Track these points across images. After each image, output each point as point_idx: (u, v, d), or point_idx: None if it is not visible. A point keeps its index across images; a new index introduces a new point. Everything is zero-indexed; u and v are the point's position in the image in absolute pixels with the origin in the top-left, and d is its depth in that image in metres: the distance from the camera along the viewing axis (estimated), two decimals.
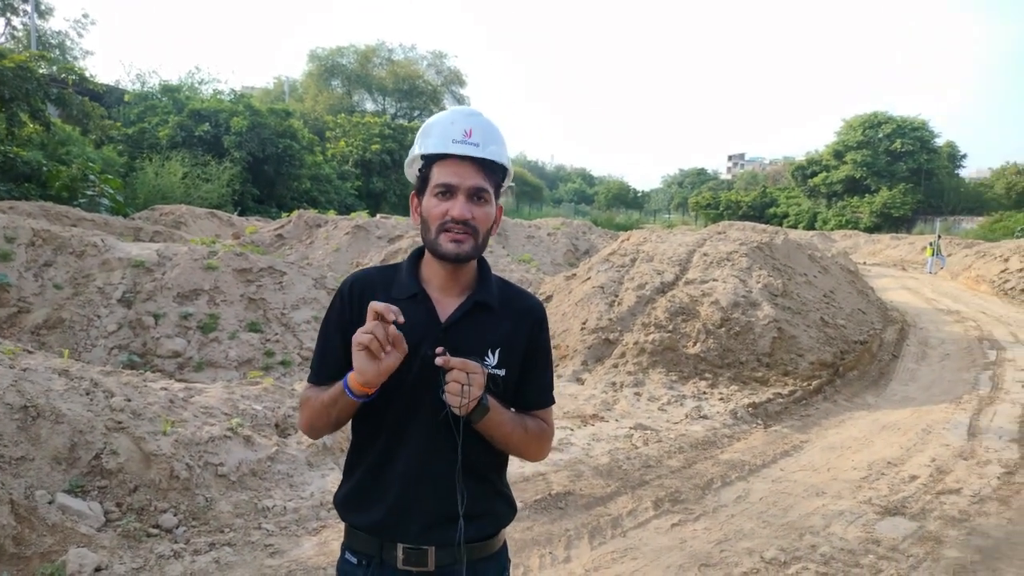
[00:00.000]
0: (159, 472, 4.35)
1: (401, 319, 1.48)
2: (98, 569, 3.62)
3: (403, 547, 1.64)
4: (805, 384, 8.26)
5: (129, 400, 4.82)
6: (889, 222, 47.04)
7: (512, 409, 1.73)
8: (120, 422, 4.52)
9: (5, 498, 3.70)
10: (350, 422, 1.73)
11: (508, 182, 1.76)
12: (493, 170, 1.67)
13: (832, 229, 45.86)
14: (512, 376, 1.72)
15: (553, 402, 1.85)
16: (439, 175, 1.63)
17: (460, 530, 1.60)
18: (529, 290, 10.70)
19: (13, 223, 8.77)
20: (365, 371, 1.50)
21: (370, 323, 1.48)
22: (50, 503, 3.95)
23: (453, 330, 1.66)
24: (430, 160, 1.66)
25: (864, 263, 27.58)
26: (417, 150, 1.70)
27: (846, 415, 7.62)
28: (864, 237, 40.46)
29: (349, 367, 1.58)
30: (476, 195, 1.62)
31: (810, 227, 48.55)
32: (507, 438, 1.67)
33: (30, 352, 5.56)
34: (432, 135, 1.66)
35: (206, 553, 3.92)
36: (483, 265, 1.78)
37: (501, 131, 1.72)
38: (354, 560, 1.71)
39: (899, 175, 48.38)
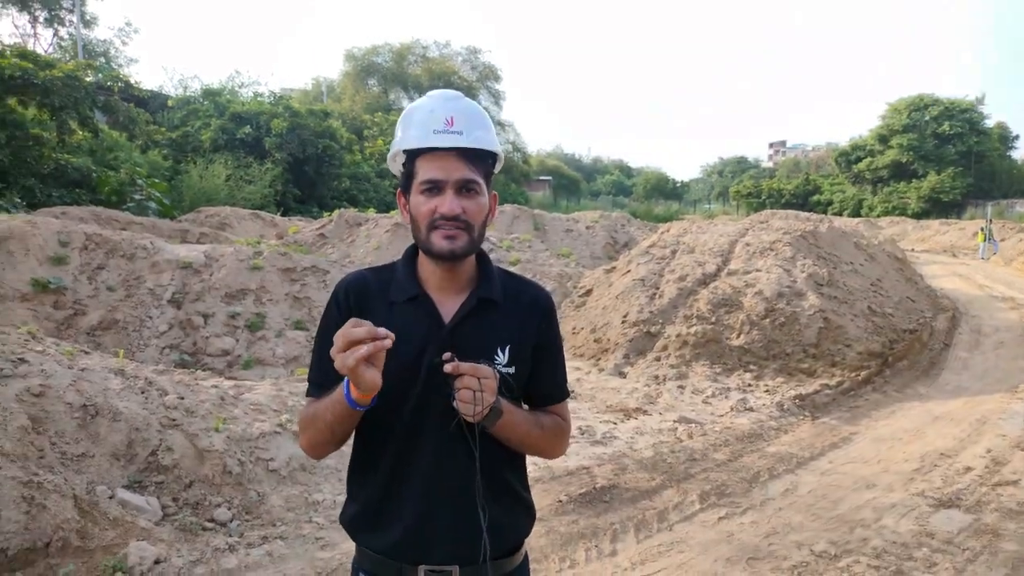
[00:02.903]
0: (212, 467, 4.47)
1: (390, 343, 1.35)
2: (157, 561, 3.73)
3: (425, 569, 1.54)
4: (853, 375, 8.11)
5: (182, 398, 4.95)
6: (938, 207, 45.77)
7: (525, 407, 1.67)
8: (174, 419, 4.65)
9: (69, 493, 3.84)
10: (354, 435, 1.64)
11: (499, 167, 1.65)
12: (481, 158, 1.55)
13: (878, 216, 44.83)
14: (523, 373, 1.62)
15: (568, 395, 1.76)
16: (424, 170, 1.52)
17: (484, 547, 1.50)
18: (568, 285, 10.63)
19: (67, 228, 9.06)
20: (364, 381, 1.35)
21: (344, 342, 1.33)
22: (110, 498, 4.09)
23: (458, 331, 1.56)
24: (412, 154, 1.55)
25: (912, 250, 26.92)
26: (398, 144, 1.59)
27: (896, 406, 7.46)
28: (912, 223, 39.48)
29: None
30: (465, 188, 1.51)
31: (855, 214, 47.53)
32: (523, 439, 1.59)
33: (87, 353, 5.75)
34: (412, 126, 1.55)
35: (259, 546, 4.02)
36: (483, 258, 1.66)
37: (485, 114, 1.60)
38: None
39: (947, 159, 47.04)
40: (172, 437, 4.52)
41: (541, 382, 1.68)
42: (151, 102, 28.74)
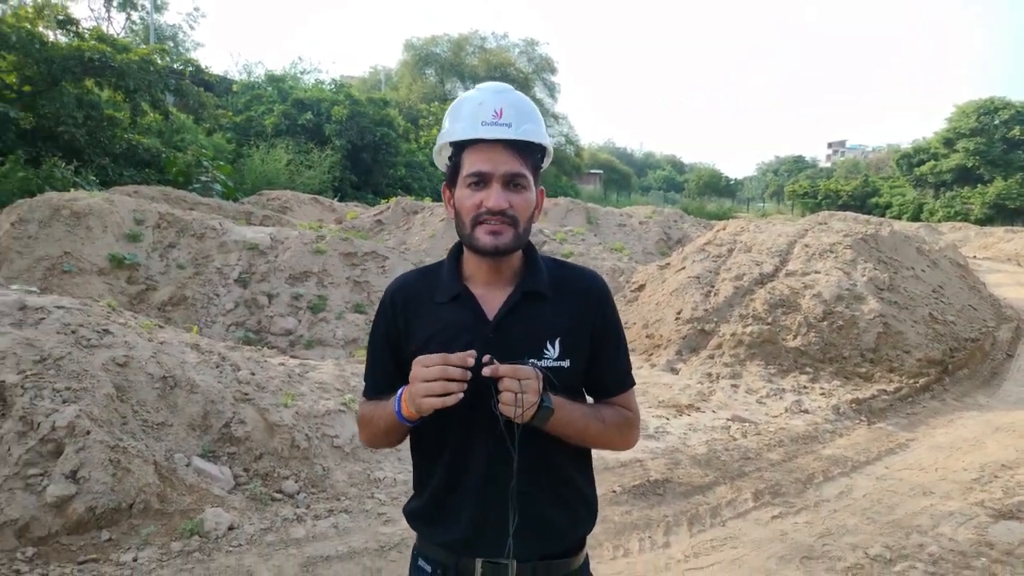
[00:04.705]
0: (281, 441, 4.66)
1: (471, 361, 1.42)
2: (231, 528, 3.93)
3: (482, 562, 1.54)
4: (912, 381, 7.97)
5: (253, 374, 5.17)
6: (1003, 214, 44.12)
7: (589, 400, 1.63)
8: (247, 394, 4.87)
9: (150, 459, 4.07)
10: (411, 435, 1.68)
11: (547, 162, 1.61)
12: (530, 151, 1.51)
13: (939, 221, 43.44)
14: (579, 365, 1.58)
15: (633, 384, 1.69)
16: (470, 163, 1.48)
17: (509, 548, 1.51)
18: (621, 279, 10.57)
19: (141, 207, 9.44)
20: (422, 406, 1.43)
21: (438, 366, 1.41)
22: (187, 466, 4.31)
23: (503, 327, 1.53)
24: (459, 147, 1.51)
25: (975, 257, 26.03)
26: (445, 136, 1.55)
27: (955, 415, 7.32)
28: (975, 230, 38.05)
29: (402, 381, 1.51)
30: (512, 182, 1.48)
31: (915, 218, 46.15)
32: (582, 434, 1.55)
33: (161, 327, 6.03)
34: (460, 119, 1.51)
35: (325, 518, 4.20)
36: (530, 250, 1.62)
37: (535, 108, 1.55)
38: (428, 568, 1.63)
39: (1016, 164, 45.24)
40: (244, 411, 4.73)
41: (601, 372, 1.64)
42: (217, 86, 29.48)
